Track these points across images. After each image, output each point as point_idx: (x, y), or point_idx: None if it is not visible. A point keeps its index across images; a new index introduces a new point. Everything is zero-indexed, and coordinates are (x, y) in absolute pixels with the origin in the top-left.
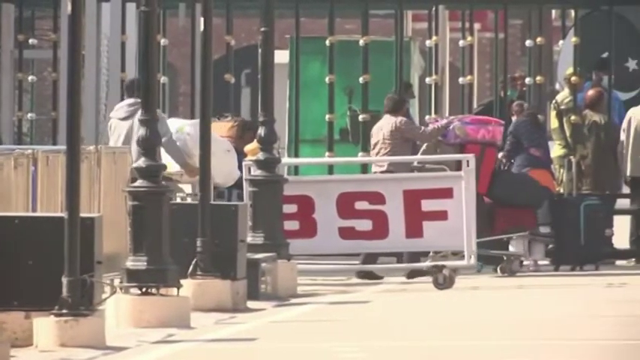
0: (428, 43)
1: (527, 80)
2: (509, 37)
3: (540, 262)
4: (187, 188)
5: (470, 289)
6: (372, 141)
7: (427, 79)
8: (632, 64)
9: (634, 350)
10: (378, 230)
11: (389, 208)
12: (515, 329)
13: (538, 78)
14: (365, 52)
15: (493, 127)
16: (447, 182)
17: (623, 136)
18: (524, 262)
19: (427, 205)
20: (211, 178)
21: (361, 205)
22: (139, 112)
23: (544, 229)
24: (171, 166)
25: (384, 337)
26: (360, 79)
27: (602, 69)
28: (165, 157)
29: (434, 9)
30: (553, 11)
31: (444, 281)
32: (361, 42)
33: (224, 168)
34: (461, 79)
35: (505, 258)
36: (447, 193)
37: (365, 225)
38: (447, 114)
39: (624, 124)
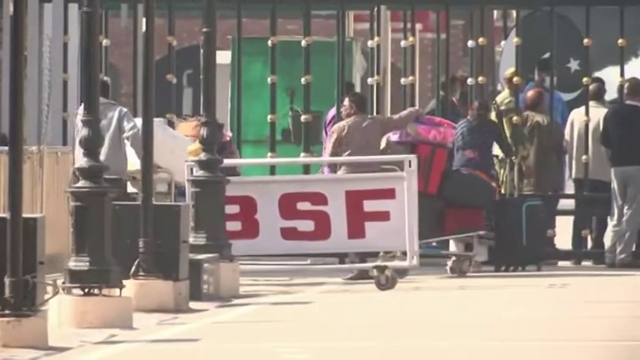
0: (370, 43)
1: (469, 81)
2: (450, 37)
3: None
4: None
5: (412, 289)
6: (350, 142)
7: (369, 80)
8: (573, 65)
9: (585, 350)
10: (320, 231)
11: (331, 209)
12: (458, 330)
13: (480, 78)
14: (307, 53)
15: (445, 129)
16: (389, 183)
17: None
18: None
19: (369, 205)
20: (172, 176)
21: (303, 205)
22: (109, 112)
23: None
24: (133, 164)
25: (327, 338)
26: (302, 80)
27: (544, 70)
28: (129, 157)
29: (375, 9)
30: (495, 12)
31: (386, 282)
32: (303, 42)
33: (184, 166)
34: (403, 80)
35: (454, 258)
36: (389, 194)
37: (307, 225)
38: (388, 114)
39: (567, 127)
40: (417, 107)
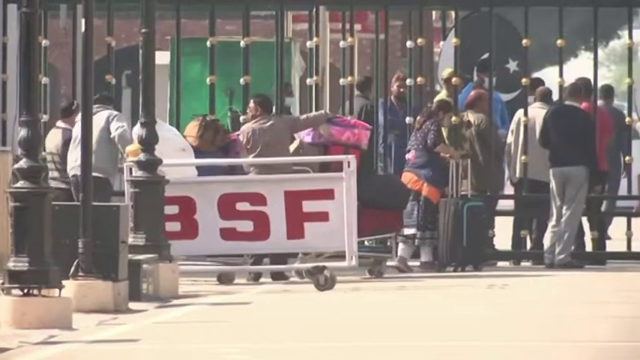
0: (308, 44)
1: (408, 81)
2: (389, 38)
3: (411, 263)
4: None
5: (352, 290)
6: (255, 144)
7: (308, 80)
8: (512, 66)
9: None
10: (259, 231)
11: (270, 209)
12: (398, 329)
13: (419, 79)
14: (246, 53)
15: (359, 130)
16: (328, 183)
17: (510, 138)
18: (389, 263)
19: (308, 206)
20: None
21: (242, 206)
22: (100, 114)
23: (409, 230)
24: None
25: (267, 339)
26: (241, 81)
27: (483, 70)
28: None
29: (314, 10)
30: (434, 12)
31: (325, 282)
32: (242, 43)
33: (176, 167)
34: (341, 80)
35: (372, 259)
36: (328, 194)
37: (246, 226)
38: (297, 114)
39: (513, 126)
40: (327, 110)
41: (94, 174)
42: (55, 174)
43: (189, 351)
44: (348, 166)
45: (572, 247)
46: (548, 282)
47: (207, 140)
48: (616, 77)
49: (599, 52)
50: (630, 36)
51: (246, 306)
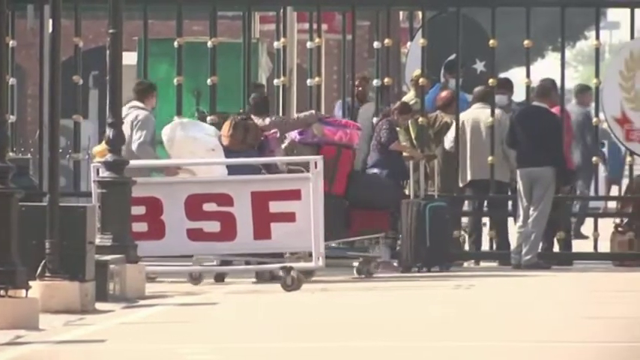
0: (276, 44)
1: (375, 82)
2: (356, 38)
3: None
4: None
5: (319, 290)
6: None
7: (275, 81)
8: (479, 66)
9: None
10: (226, 232)
11: (237, 210)
12: (365, 330)
13: (386, 80)
14: (213, 54)
15: (351, 130)
16: (294, 184)
17: (449, 143)
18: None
19: (275, 206)
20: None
21: (209, 206)
22: (128, 117)
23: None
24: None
25: (234, 339)
26: (208, 81)
27: (450, 71)
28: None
29: (282, 11)
30: (401, 13)
31: (292, 283)
32: (209, 43)
33: (205, 167)
34: (309, 81)
35: (361, 259)
36: (294, 195)
37: (213, 226)
38: (294, 115)
39: (457, 128)
40: (315, 110)
41: None
42: None
43: (156, 351)
44: (315, 167)
45: (539, 248)
46: (516, 282)
47: (238, 139)
48: (583, 78)
49: (567, 52)
50: (597, 36)
51: (213, 306)
